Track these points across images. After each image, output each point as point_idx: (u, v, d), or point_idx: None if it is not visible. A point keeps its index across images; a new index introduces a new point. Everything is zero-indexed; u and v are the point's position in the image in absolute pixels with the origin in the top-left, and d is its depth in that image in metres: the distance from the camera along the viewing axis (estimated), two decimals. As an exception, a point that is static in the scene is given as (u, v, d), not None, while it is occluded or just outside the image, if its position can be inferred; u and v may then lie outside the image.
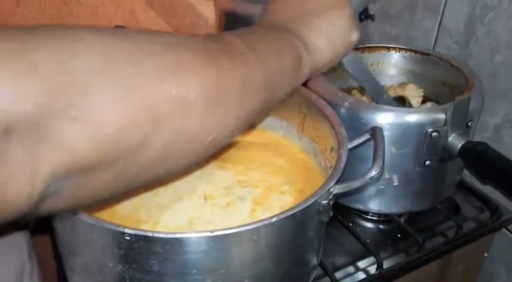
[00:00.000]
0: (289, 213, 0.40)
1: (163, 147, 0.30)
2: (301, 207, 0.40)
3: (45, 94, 0.24)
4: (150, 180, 0.33)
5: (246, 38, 0.38)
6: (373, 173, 0.45)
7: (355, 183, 0.45)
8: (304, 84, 0.61)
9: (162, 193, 0.52)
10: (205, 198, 0.52)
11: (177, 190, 0.53)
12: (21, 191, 0.24)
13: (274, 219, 0.39)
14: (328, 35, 0.44)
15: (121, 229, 0.37)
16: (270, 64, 0.38)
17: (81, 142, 0.25)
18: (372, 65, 0.72)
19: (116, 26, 0.75)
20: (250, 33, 0.40)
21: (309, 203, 0.41)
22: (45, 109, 0.24)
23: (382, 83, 0.72)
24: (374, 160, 0.46)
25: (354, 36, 0.46)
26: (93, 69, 0.26)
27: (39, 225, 0.52)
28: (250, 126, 0.40)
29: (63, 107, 0.24)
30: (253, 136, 0.63)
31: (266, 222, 0.39)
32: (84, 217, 0.38)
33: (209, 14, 0.89)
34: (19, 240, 0.51)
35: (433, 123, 0.54)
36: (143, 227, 0.45)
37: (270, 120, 0.63)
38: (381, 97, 0.60)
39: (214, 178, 0.56)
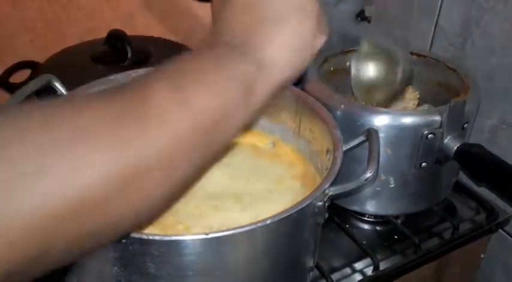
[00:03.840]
0: (284, 215, 0.40)
1: (68, 247, 0.28)
2: (296, 209, 0.40)
3: None
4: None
5: (176, 79, 0.31)
6: (368, 174, 0.45)
7: (350, 185, 0.45)
8: (301, 87, 0.62)
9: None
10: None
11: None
12: None
13: (269, 221, 0.39)
14: (288, 44, 0.37)
15: (116, 231, 0.37)
16: (209, 111, 0.32)
17: None
18: (369, 67, 0.72)
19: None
20: (182, 73, 0.32)
21: (304, 205, 0.41)
22: None
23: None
24: (369, 162, 0.46)
25: (318, 42, 0.38)
26: None
27: None
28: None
29: None
30: (249, 139, 0.63)
31: (261, 224, 0.39)
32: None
33: (207, 17, 0.89)
34: None
35: (428, 125, 0.55)
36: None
37: (266, 123, 0.63)
38: None
39: (212, 180, 0.56)
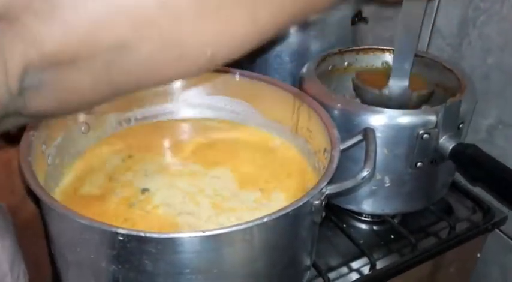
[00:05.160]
0: (282, 213, 0.40)
1: (150, 54, 0.27)
2: (293, 207, 0.41)
3: None
4: (138, 87, 0.31)
5: None
6: (365, 173, 0.45)
7: (347, 184, 0.45)
8: (299, 86, 0.62)
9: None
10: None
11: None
12: None
13: (266, 219, 0.39)
14: None
15: (114, 229, 0.37)
16: None
17: (48, 37, 0.24)
18: (367, 66, 0.73)
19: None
20: None
21: (301, 203, 0.41)
22: (13, 1, 0.23)
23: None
24: (365, 161, 0.46)
25: None
26: None
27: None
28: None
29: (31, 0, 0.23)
30: (247, 137, 0.63)
31: (258, 222, 0.39)
32: (77, 217, 0.38)
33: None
34: None
35: (424, 125, 0.55)
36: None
37: (263, 122, 0.63)
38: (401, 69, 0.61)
39: (209, 180, 0.56)
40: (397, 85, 0.63)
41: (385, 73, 0.65)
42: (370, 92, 0.64)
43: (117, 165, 0.58)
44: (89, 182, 0.55)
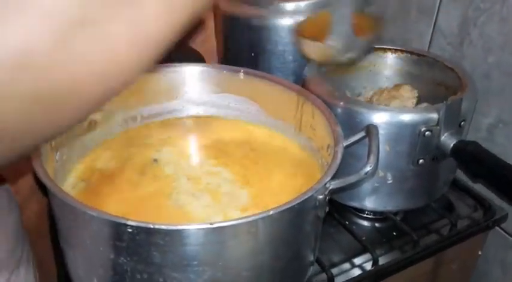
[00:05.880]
0: (287, 206, 0.41)
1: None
2: (298, 201, 0.41)
3: None
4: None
5: None
6: (368, 168, 0.46)
7: (351, 179, 0.46)
8: (302, 85, 0.63)
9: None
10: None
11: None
12: None
13: (271, 212, 0.40)
14: None
15: (123, 221, 0.38)
16: None
17: None
18: (369, 66, 0.74)
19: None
20: None
21: (305, 197, 0.42)
22: None
23: (379, 84, 0.73)
24: (368, 156, 0.47)
25: None
26: None
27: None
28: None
29: None
30: (250, 135, 0.64)
31: (264, 215, 0.40)
32: (86, 209, 0.39)
33: (208, 20, 0.90)
34: None
35: (426, 122, 0.56)
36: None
37: (268, 120, 0.64)
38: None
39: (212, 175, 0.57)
40: (340, 32, 0.54)
41: (327, 22, 0.54)
42: (312, 45, 0.55)
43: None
44: (104, 158, 0.60)
